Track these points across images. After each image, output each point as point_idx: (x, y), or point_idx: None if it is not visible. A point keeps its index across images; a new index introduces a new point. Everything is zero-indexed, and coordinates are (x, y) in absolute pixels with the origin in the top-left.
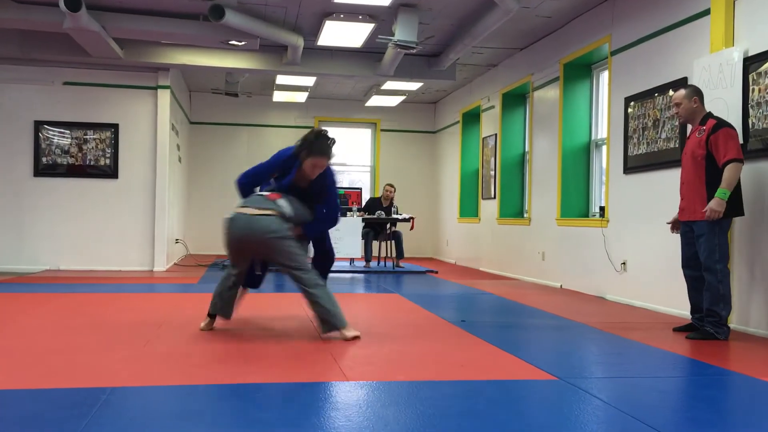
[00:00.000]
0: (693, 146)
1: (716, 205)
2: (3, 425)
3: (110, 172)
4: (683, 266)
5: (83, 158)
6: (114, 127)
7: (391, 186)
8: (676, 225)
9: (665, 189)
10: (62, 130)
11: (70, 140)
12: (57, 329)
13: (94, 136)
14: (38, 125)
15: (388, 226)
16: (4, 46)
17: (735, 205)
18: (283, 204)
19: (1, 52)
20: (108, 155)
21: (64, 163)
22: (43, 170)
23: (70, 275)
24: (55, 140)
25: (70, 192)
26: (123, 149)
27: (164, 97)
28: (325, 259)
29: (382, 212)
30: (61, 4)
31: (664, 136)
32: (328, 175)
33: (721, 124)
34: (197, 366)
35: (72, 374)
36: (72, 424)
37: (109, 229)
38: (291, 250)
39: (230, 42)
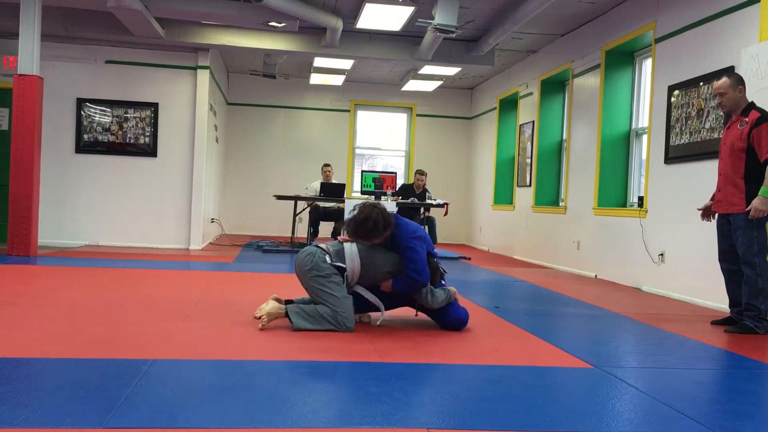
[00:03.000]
0: (733, 138)
1: (761, 204)
2: (49, 392)
3: (149, 150)
4: (720, 259)
5: (123, 136)
6: (154, 106)
7: (421, 174)
8: (706, 213)
9: (707, 180)
10: (103, 108)
11: (110, 118)
12: (98, 302)
13: (135, 115)
14: (80, 103)
15: (422, 211)
16: (49, 24)
17: None
18: (336, 247)
19: (46, 29)
20: (147, 134)
21: (105, 140)
22: (84, 147)
23: (109, 250)
24: (97, 118)
25: (110, 169)
26: (162, 128)
27: (203, 78)
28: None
29: (415, 199)
30: None
31: (708, 125)
32: (397, 238)
33: (765, 117)
34: (235, 341)
35: (114, 346)
36: (116, 393)
37: (147, 207)
38: (318, 286)
39: (270, 23)
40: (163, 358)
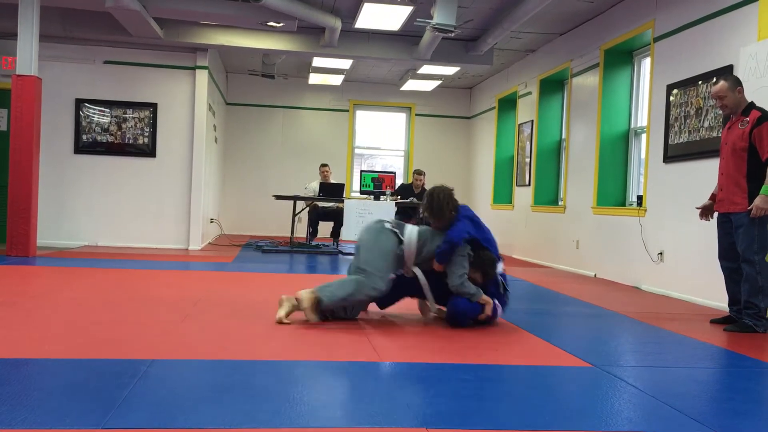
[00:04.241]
0: (734, 138)
1: (762, 202)
2: (48, 393)
3: (148, 150)
4: (720, 257)
5: (122, 136)
6: (153, 107)
7: (420, 174)
8: (705, 212)
9: (706, 178)
10: (102, 109)
11: (109, 118)
12: (97, 302)
13: (133, 115)
14: (79, 103)
15: (421, 210)
16: (48, 24)
17: None
18: (401, 226)
19: (44, 30)
20: (146, 134)
21: (104, 140)
22: (83, 147)
23: (108, 251)
24: (95, 118)
25: (109, 169)
26: (161, 128)
27: (202, 78)
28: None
29: (414, 198)
30: None
31: (706, 124)
32: (457, 217)
33: (766, 116)
34: (235, 342)
35: (113, 346)
36: (114, 393)
37: (146, 207)
38: (362, 253)
39: (269, 23)
40: (162, 358)
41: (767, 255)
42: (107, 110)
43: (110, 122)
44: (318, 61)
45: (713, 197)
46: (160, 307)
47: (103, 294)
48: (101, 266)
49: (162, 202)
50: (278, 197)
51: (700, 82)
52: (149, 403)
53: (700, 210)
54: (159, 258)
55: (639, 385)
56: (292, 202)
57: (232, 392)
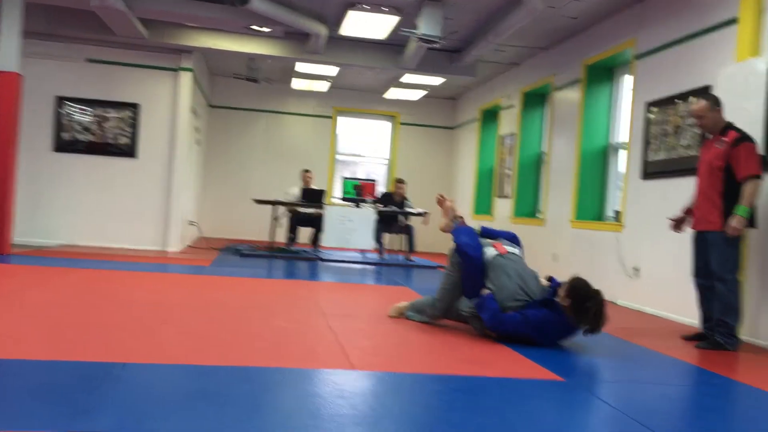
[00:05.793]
0: (711, 157)
1: (737, 222)
2: (17, 394)
3: (129, 151)
4: (694, 275)
5: (103, 136)
6: (134, 107)
7: (401, 182)
8: (678, 224)
9: (683, 196)
10: (83, 107)
11: (90, 117)
12: (72, 303)
13: (115, 115)
14: (60, 101)
15: (400, 219)
16: (32, 20)
17: (749, 217)
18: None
19: (29, 26)
20: (127, 134)
21: (84, 140)
22: (63, 146)
23: (85, 250)
24: (76, 117)
25: (89, 169)
26: (143, 129)
27: (186, 80)
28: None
29: (395, 207)
30: None
31: (684, 143)
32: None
33: (743, 138)
34: (209, 347)
35: (86, 348)
36: (83, 397)
37: (125, 208)
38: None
39: (254, 27)
40: (135, 361)
41: (739, 274)
42: (89, 109)
43: (91, 121)
44: (302, 67)
45: (688, 211)
46: (135, 309)
47: (77, 294)
48: (77, 266)
49: (141, 203)
50: (259, 201)
51: (678, 101)
52: (118, 408)
53: (673, 222)
54: (136, 259)
55: (610, 401)
56: (272, 206)
57: (205, 399)
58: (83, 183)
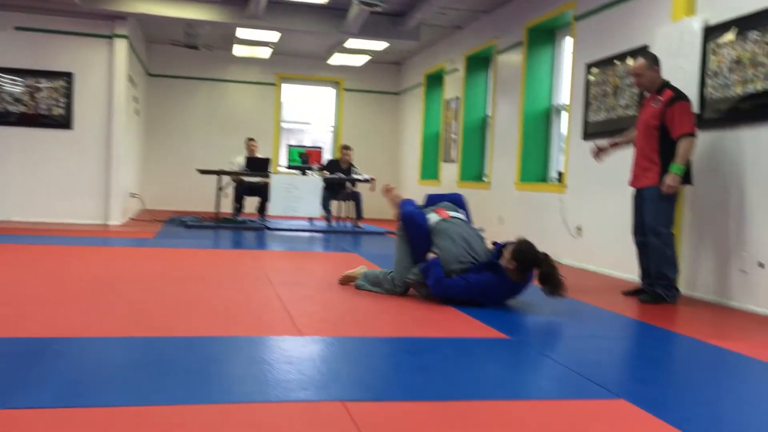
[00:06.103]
0: (648, 116)
1: (672, 180)
2: None
3: (64, 122)
4: (633, 233)
5: (36, 107)
6: (68, 76)
7: (347, 149)
8: (599, 152)
9: (622, 156)
10: (13, 78)
11: (22, 88)
12: (8, 280)
13: (48, 85)
14: None
15: (348, 186)
16: None
17: (685, 174)
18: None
19: None
20: (62, 105)
21: (16, 111)
22: None
23: (22, 226)
24: (6, 87)
25: (22, 142)
26: (78, 99)
27: (121, 47)
28: None
29: (342, 174)
30: None
31: (623, 103)
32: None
33: (678, 96)
34: (151, 318)
35: (25, 324)
36: (21, 373)
37: (63, 181)
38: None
39: None
40: (74, 336)
41: (673, 228)
42: (19, 79)
43: (23, 92)
44: (243, 33)
45: (613, 144)
46: (75, 284)
47: (14, 271)
48: (14, 242)
49: (80, 176)
50: (203, 171)
51: (616, 62)
52: (57, 383)
53: (596, 148)
54: (76, 234)
55: (555, 357)
56: (217, 176)
57: (147, 369)
58: (17, 156)
